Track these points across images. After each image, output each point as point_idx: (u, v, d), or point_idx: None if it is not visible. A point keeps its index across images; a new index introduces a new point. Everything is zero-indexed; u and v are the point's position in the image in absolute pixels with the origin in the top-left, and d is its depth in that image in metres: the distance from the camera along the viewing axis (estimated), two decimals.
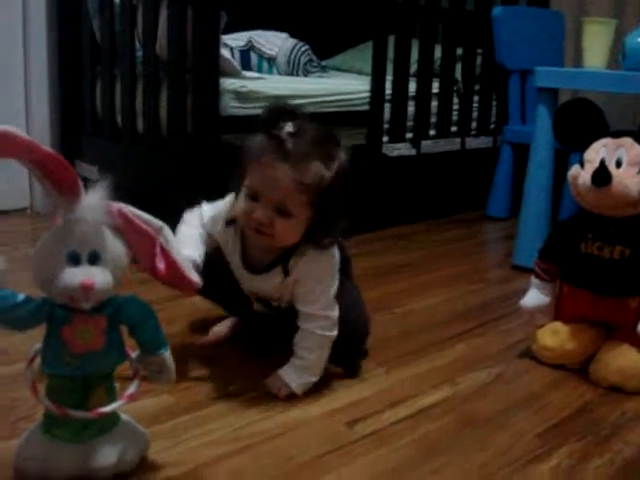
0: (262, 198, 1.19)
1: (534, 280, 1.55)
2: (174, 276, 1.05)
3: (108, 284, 0.92)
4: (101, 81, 2.41)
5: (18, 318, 0.95)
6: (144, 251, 1.00)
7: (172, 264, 1.02)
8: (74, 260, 0.92)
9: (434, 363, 1.50)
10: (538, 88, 2.17)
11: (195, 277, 1.10)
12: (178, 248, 1.08)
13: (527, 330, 1.63)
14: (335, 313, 1.31)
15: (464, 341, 1.62)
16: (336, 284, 1.31)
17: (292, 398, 1.29)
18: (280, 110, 1.20)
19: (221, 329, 1.55)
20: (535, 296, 1.54)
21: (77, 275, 0.90)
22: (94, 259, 0.93)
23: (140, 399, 1.23)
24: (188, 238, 1.32)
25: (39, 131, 2.62)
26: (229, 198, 1.33)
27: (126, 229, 0.97)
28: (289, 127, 1.17)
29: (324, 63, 3.09)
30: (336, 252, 1.32)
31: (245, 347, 1.52)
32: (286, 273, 1.29)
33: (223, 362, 1.45)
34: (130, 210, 0.98)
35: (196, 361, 1.43)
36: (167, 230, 1.02)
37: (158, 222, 1.01)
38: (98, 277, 0.91)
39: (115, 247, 0.95)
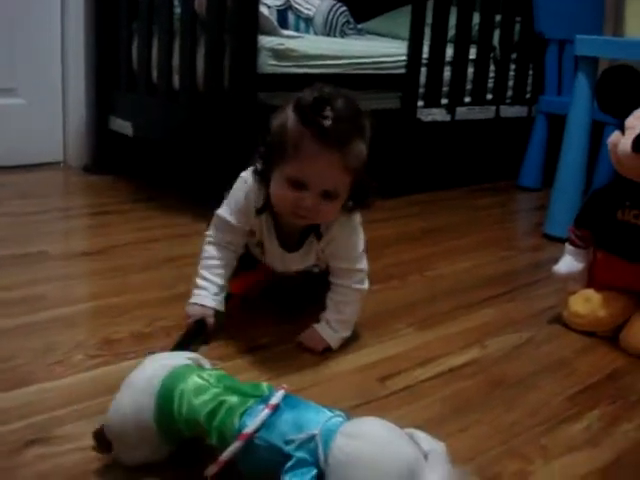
0: (311, 186, 1.17)
1: (568, 247, 1.54)
2: None
3: None
4: (138, 37, 2.41)
5: None
6: None
7: None
8: None
9: (463, 325, 1.50)
10: (578, 57, 2.14)
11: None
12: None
13: (558, 297, 1.63)
14: (366, 266, 1.34)
15: (494, 305, 1.62)
16: (363, 236, 1.34)
17: (326, 352, 1.31)
18: (320, 95, 1.14)
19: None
20: (569, 263, 1.54)
21: None
22: None
23: (167, 346, 1.26)
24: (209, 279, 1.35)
25: (74, 85, 2.64)
26: (248, 183, 1.30)
27: None
28: (328, 112, 1.12)
29: (360, 26, 3.06)
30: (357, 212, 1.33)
31: (272, 303, 1.54)
32: (319, 237, 1.31)
33: (252, 316, 1.47)
34: None
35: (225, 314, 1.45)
36: None
37: None
38: None
39: None
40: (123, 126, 2.52)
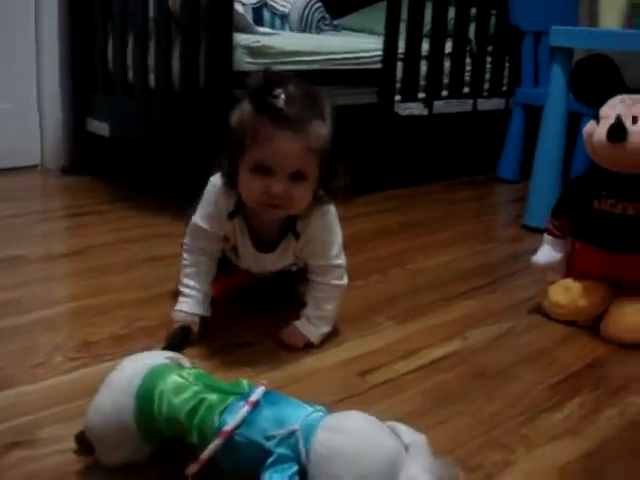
0: (277, 171, 1.15)
1: (546, 237, 1.55)
2: None
3: None
4: (113, 37, 2.39)
5: None
6: None
7: None
8: None
9: (444, 318, 1.51)
10: (553, 48, 2.15)
11: None
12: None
13: (538, 287, 1.64)
14: (344, 261, 1.35)
15: (474, 297, 1.63)
16: (340, 232, 1.34)
17: (307, 348, 1.31)
18: (269, 79, 1.15)
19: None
20: (547, 253, 1.55)
21: None
22: None
23: (153, 348, 1.25)
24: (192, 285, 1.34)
25: (50, 87, 2.62)
26: (217, 188, 1.29)
27: None
28: (281, 93, 1.12)
29: (336, 22, 3.06)
30: (332, 204, 1.33)
31: (250, 302, 1.53)
32: (297, 236, 1.30)
33: (232, 314, 1.46)
34: None
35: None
36: None
37: None
38: None
39: None
40: (100, 127, 2.50)
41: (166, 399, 0.90)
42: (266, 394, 0.89)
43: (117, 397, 0.92)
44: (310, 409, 0.88)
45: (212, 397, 0.89)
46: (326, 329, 1.35)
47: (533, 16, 2.78)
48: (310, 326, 1.33)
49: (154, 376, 0.93)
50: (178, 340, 1.27)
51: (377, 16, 2.71)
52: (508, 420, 1.12)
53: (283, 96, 1.12)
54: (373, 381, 1.22)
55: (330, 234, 1.32)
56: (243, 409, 0.86)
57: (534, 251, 1.58)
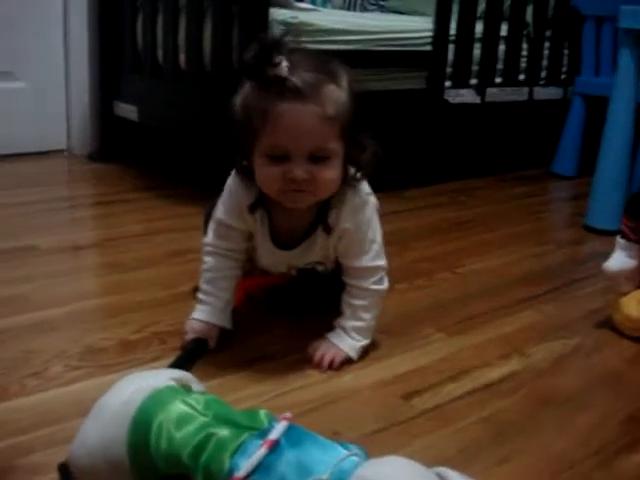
0: (293, 153, 0.99)
1: (620, 240, 1.35)
2: None
3: None
4: (142, 14, 2.24)
5: None
6: None
7: None
8: None
9: (500, 331, 1.32)
10: (622, 30, 1.95)
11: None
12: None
13: (607, 297, 1.44)
14: (385, 262, 1.16)
15: (533, 307, 1.43)
16: (380, 227, 1.16)
17: (342, 365, 1.14)
18: (265, 46, 0.96)
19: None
20: (620, 259, 1.35)
21: None
22: None
23: (166, 357, 1.10)
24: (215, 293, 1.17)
25: (78, 67, 2.48)
26: (237, 180, 1.13)
27: None
28: (282, 60, 0.96)
29: (383, 3, 2.87)
30: (372, 195, 1.16)
31: (280, 306, 1.36)
32: (328, 231, 1.12)
33: (257, 322, 1.30)
34: None
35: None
36: None
37: None
38: None
39: None
40: (128, 110, 2.35)
41: (166, 432, 0.73)
42: (289, 430, 0.72)
43: (107, 426, 0.75)
44: (342, 452, 0.70)
45: (223, 432, 0.72)
46: (365, 341, 1.16)
47: None
48: (347, 338, 1.15)
49: (154, 402, 0.76)
50: (190, 355, 1.10)
51: None
52: (579, 462, 0.93)
53: (285, 63, 0.95)
54: (419, 406, 1.03)
55: (369, 229, 1.14)
56: (260, 451, 0.69)
57: (598, 255, 1.42)
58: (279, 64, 0.95)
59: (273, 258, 1.19)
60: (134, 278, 1.47)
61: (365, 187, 1.13)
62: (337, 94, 0.99)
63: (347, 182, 1.08)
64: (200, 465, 0.71)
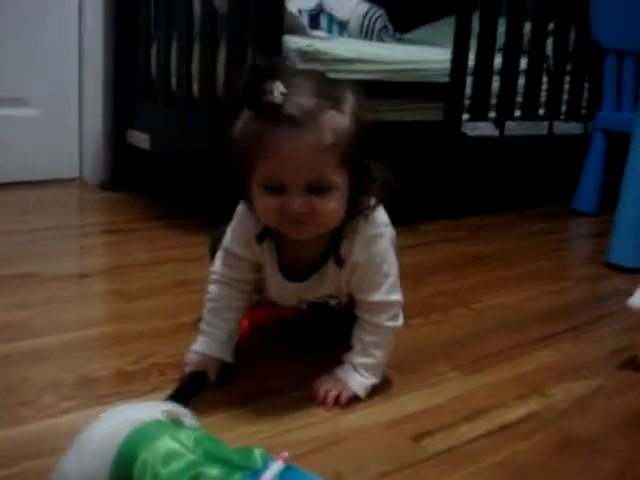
0: (289, 184, 0.93)
1: None
2: None
3: None
4: (157, 42, 2.23)
5: None
6: None
7: None
8: None
9: (518, 370, 1.24)
10: None
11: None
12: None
13: (630, 336, 1.37)
14: (401, 297, 1.10)
15: (552, 346, 1.36)
16: (396, 260, 1.10)
17: (349, 402, 1.07)
18: (257, 71, 0.91)
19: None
20: None
21: None
22: None
23: (165, 389, 1.04)
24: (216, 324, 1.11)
25: (92, 95, 2.47)
26: (242, 213, 1.08)
27: None
28: (278, 87, 0.89)
29: (400, 36, 2.84)
30: (389, 226, 1.09)
31: (288, 340, 1.30)
32: (340, 263, 1.05)
33: (261, 354, 1.24)
34: None
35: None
36: None
37: None
38: None
39: None
40: (141, 139, 2.33)
41: (151, 469, 0.67)
42: (285, 471, 0.66)
43: (89, 459, 0.70)
44: None
45: (213, 472, 0.66)
46: (375, 380, 1.09)
47: (617, 32, 2.50)
48: (356, 375, 1.08)
49: (140, 437, 0.70)
50: (187, 389, 1.03)
51: (445, 31, 2.48)
52: None
53: (279, 90, 0.89)
54: (430, 448, 0.96)
55: (383, 262, 1.06)
56: None
57: (620, 293, 1.35)
58: (272, 90, 0.89)
59: (283, 291, 1.13)
60: (137, 307, 1.42)
61: (381, 217, 1.07)
62: (337, 120, 0.93)
63: (359, 212, 1.02)
64: None
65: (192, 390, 1.03)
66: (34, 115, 2.43)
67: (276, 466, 0.66)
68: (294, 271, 1.09)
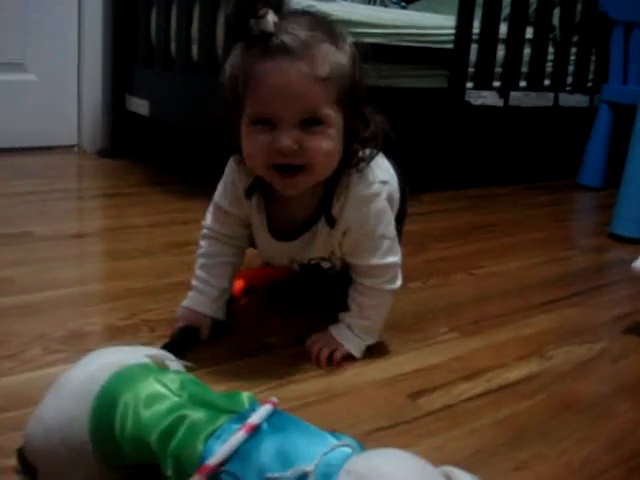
0: (279, 119, 0.87)
1: None
2: None
3: None
4: (157, 6, 2.18)
5: None
6: None
7: None
8: None
9: (519, 332, 1.21)
10: None
11: None
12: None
13: (635, 303, 1.34)
14: (399, 258, 1.05)
15: (555, 310, 1.33)
16: (393, 219, 1.05)
17: (344, 360, 1.04)
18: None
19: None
20: None
21: None
22: None
23: (154, 345, 1.01)
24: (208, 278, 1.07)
25: (91, 60, 2.43)
26: (230, 166, 1.04)
27: None
28: (268, 12, 0.84)
29: (404, 5, 2.79)
30: (387, 183, 1.05)
31: (284, 298, 1.27)
32: (332, 223, 1.00)
33: (256, 312, 1.21)
34: None
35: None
36: None
37: None
38: None
39: None
40: (139, 105, 2.29)
41: (133, 411, 0.64)
42: (273, 416, 0.63)
43: (67, 405, 0.67)
44: (332, 441, 0.61)
45: (197, 415, 0.63)
46: (371, 341, 1.06)
47: (625, 4, 2.45)
48: (352, 336, 1.04)
49: (122, 379, 0.67)
50: (178, 343, 1.00)
51: (450, 2, 2.43)
52: (605, 470, 0.83)
53: (272, 16, 0.84)
54: (427, 406, 0.93)
55: (379, 223, 1.01)
56: (236, 436, 0.60)
57: (624, 262, 1.32)
58: (264, 16, 0.83)
59: (272, 249, 1.08)
60: (130, 266, 1.38)
61: (377, 173, 1.01)
62: (334, 55, 0.88)
63: (353, 163, 0.96)
64: (169, 451, 0.62)
65: (183, 344, 1.00)
66: (33, 80, 2.39)
67: (263, 410, 0.63)
68: (283, 230, 1.04)
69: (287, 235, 1.04)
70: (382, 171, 1.06)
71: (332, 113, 0.89)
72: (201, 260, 1.09)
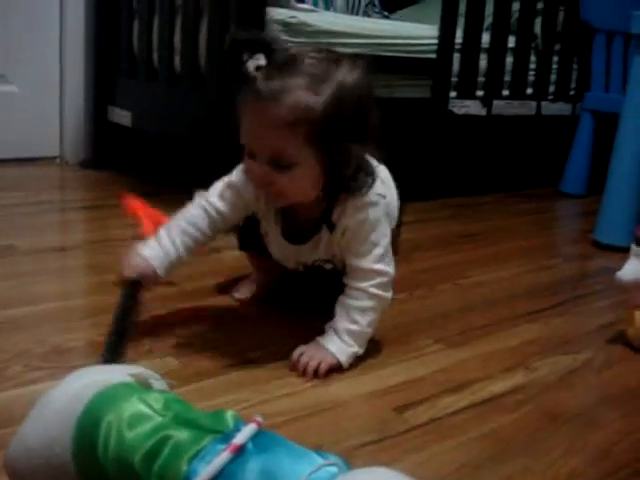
0: (256, 151, 0.98)
1: (634, 248, 1.25)
2: None
3: None
4: (139, 16, 2.17)
5: None
6: None
7: None
8: None
9: (504, 343, 1.21)
10: (635, 36, 1.87)
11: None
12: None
13: (619, 312, 1.34)
14: (391, 269, 1.09)
15: (540, 320, 1.33)
16: (389, 233, 1.09)
17: (330, 372, 1.04)
18: (243, 42, 0.96)
19: (245, 290, 1.32)
20: (635, 268, 1.25)
21: None
22: None
23: (139, 360, 1.00)
24: (170, 233, 1.12)
25: (73, 71, 2.41)
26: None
27: None
28: (259, 59, 0.95)
29: (387, 14, 2.80)
30: (385, 197, 1.10)
31: (273, 308, 1.27)
32: (331, 228, 1.08)
33: (244, 324, 1.21)
34: None
35: (210, 321, 1.20)
36: None
37: None
38: None
39: None
40: (122, 116, 2.28)
41: (116, 432, 0.63)
42: (258, 436, 0.62)
43: (50, 423, 0.65)
44: (318, 460, 0.60)
45: (181, 435, 0.62)
46: (358, 349, 1.06)
47: (606, 12, 2.47)
48: (337, 340, 1.05)
49: (105, 398, 0.66)
50: (126, 303, 1.03)
51: (432, 11, 2.44)
52: None
53: (255, 62, 0.95)
54: (413, 420, 0.93)
55: (373, 231, 1.06)
56: (221, 456, 0.59)
57: (608, 270, 1.32)
58: (248, 65, 0.94)
59: (282, 251, 1.16)
60: (112, 280, 1.37)
61: (377, 188, 1.07)
62: (303, 100, 0.93)
63: (345, 188, 1.03)
64: (153, 472, 0.61)
65: (130, 302, 1.03)
66: (14, 91, 2.37)
67: (248, 429, 0.62)
68: (294, 234, 1.13)
69: (298, 239, 1.13)
70: (384, 185, 1.12)
71: (301, 154, 0.96)
72: (182, 222, 1.13)
